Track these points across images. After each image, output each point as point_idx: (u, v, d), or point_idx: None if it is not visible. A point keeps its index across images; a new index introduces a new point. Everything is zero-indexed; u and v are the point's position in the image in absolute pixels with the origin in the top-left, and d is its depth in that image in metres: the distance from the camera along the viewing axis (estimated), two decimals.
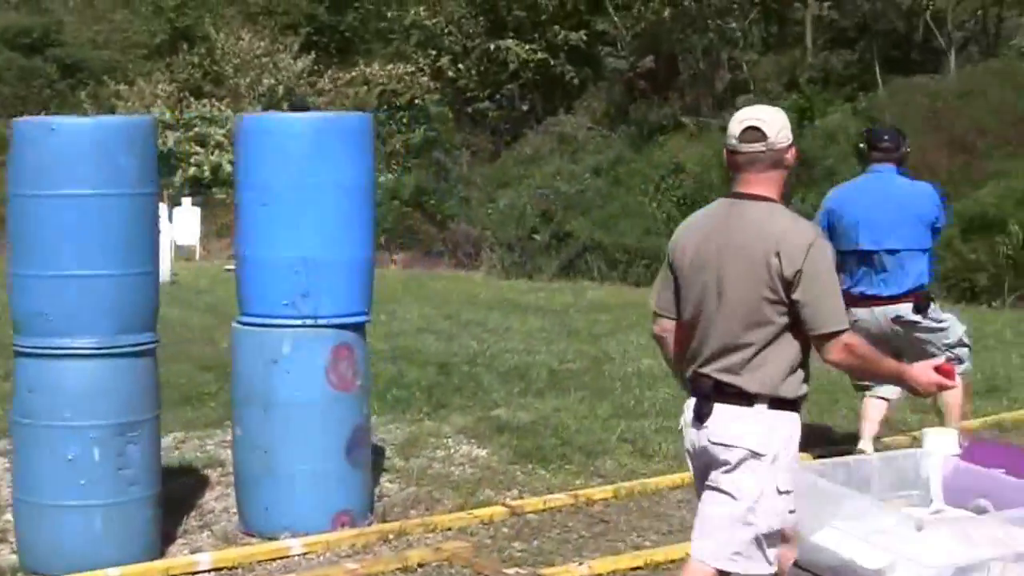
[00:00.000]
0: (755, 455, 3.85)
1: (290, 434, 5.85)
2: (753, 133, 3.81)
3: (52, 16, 36.66)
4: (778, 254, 3.75)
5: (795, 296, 3.78)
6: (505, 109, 23.47)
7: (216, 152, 29.01)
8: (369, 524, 6.10)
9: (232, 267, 20.31)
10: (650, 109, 20.46)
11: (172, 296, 16.48)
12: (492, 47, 23.45)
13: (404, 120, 25.08)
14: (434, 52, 24.87)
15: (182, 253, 25.30)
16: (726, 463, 3.89)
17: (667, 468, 7.19)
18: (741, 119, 3.87)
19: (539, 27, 23.22)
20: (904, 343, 6.79)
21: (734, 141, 3.86)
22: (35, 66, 33.01)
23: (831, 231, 6.68)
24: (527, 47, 22.94)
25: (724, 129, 4.01)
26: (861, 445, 6.98)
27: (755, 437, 3.86)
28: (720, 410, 3.90)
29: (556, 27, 22.90)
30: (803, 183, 16.09)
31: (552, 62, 22.80)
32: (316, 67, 27.99)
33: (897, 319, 6.80)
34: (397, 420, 8.60)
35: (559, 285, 17.57)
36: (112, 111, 30.62)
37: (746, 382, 3.85)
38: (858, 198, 6.89)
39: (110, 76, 32.75)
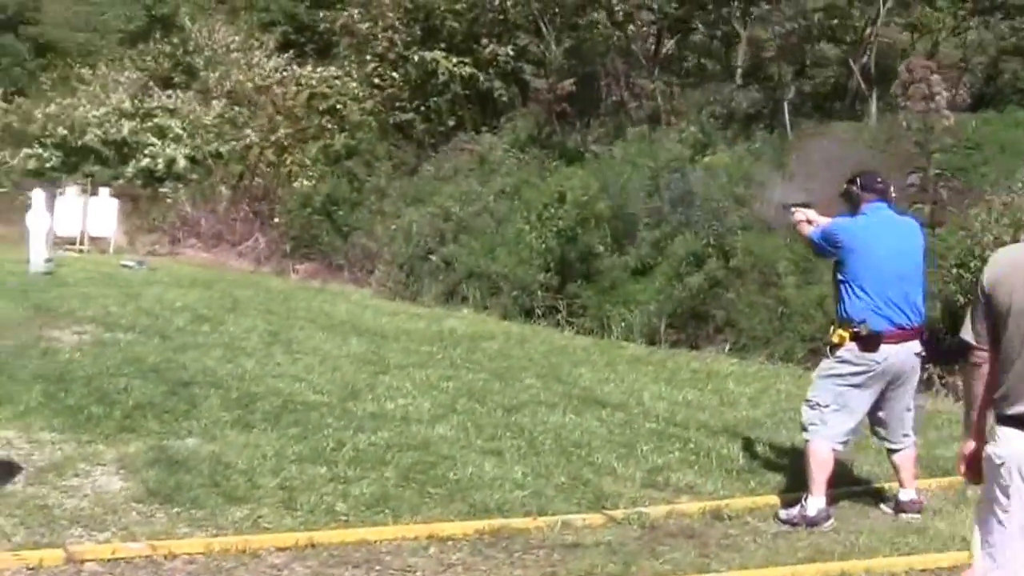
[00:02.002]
0: None
1: None
2: None
3: None
4: None
5: None
6: (432, 122, 22.67)
7: (172, 145, 28.29)
8: None
9: (129, 263, 19.74)
10: (567, 134, 19.60)
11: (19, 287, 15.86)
12: (417, 58, 22.64)
13: (327, 125, 24.31)
14: (367, 57, 24.06)
15: (99, 245, 24.61)
16: None
17: (297, 523, 6.44)
18: None
19: (470, 40, 22.42)
20: (903, 385, 7.21)
21: None
22: (5, 43, 32.37)
23: (845, 265, 7.13)
24: (456, 60, 22.14)
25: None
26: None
27: None
28: None
29: (485, 40, 22.08)
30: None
31: (481, 77, 21.98)
32: (289, 67, 27.08)
33: (917, 354, 7.16)
34: (71, 440, 7.78)
35: (433, 311, 16.71)
36: (72, 94, 30.15)
37: None
38: (883, 232, 7.14)
39: (83, 59, 32.21)
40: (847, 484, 7.81)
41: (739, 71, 20.03)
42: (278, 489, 6.99)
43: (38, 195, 18.92)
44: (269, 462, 7.50)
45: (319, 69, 25.31)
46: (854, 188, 7.30)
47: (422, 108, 22.74)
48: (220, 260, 23.41)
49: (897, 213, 7.54)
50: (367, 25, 24.04)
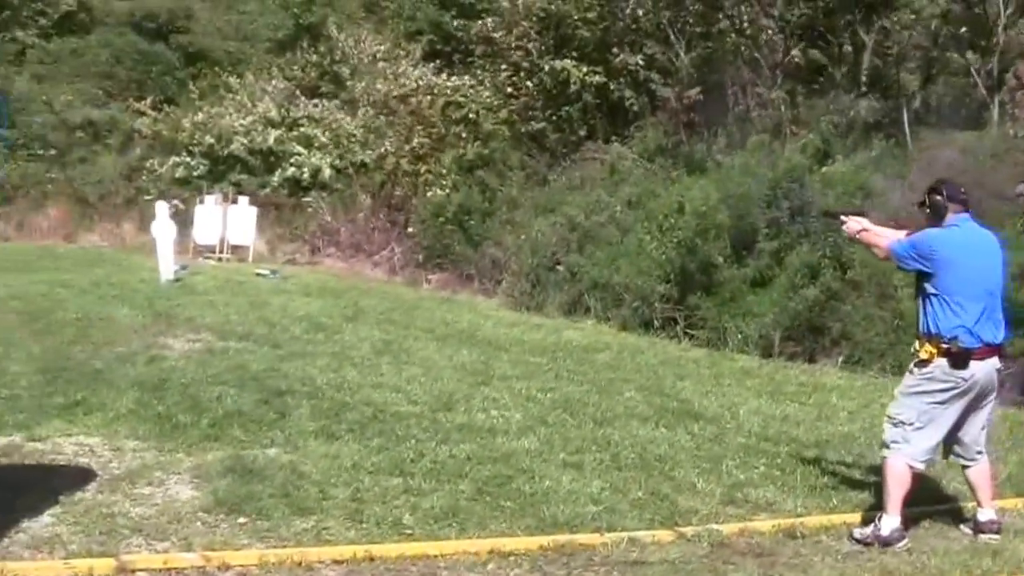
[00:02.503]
0: None
1: None
2: None
3: (181, 2, 36.88)
4: None
5: None
6: (564, 132, 22.61)
7: (318, 154, 28.54)
8: None
9: (264, 272, 20.14)
10: (694, 143, 19.38)
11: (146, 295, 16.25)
12: (548, 67, 22.60)
13: (462, 134, 24.42)
14: (502, 66, 24.11)
15: (239, 253, 25.09)
16: None
17: (360, 536, 6.47)
18: None
19: (601, 49, 22.30)
20: (983, 401, 7.09)
21: None
22: (156, 51, 33.17)
23: (936, 278, 6.94)
24: (587, 69, 22.04)
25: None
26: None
27: None
28: None
29: (615, 49, 21.95)
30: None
31: (612, 86, 21.85)
32: (426, 76, 27.17)
33: (998, 370, 7.05)
34: (153, 448, 7.96)
35: (555, 322, 16.72)
36: (220, 102, 30.71)
37: None
38: (973, 245, 7.01)
39: (233, 68, 32.72)
40: (929, 503, 7.59)
41: (863, 79, 19.50)
42: (349, 501, 7.03)
43: (162, 207, 19.36)
44: (345, 473, 7.56)
45: (453, 78, 25.39)
46: (939, 198, 7.07)
47: (554, 117, 22.69)
48: (356, 270, 23.69)
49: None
50: (501, 34, 24.08)
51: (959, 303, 6.83)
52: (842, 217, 7.72)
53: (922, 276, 7.06)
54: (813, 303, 14.24)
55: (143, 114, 29.33)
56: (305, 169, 27.48)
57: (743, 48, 20.59)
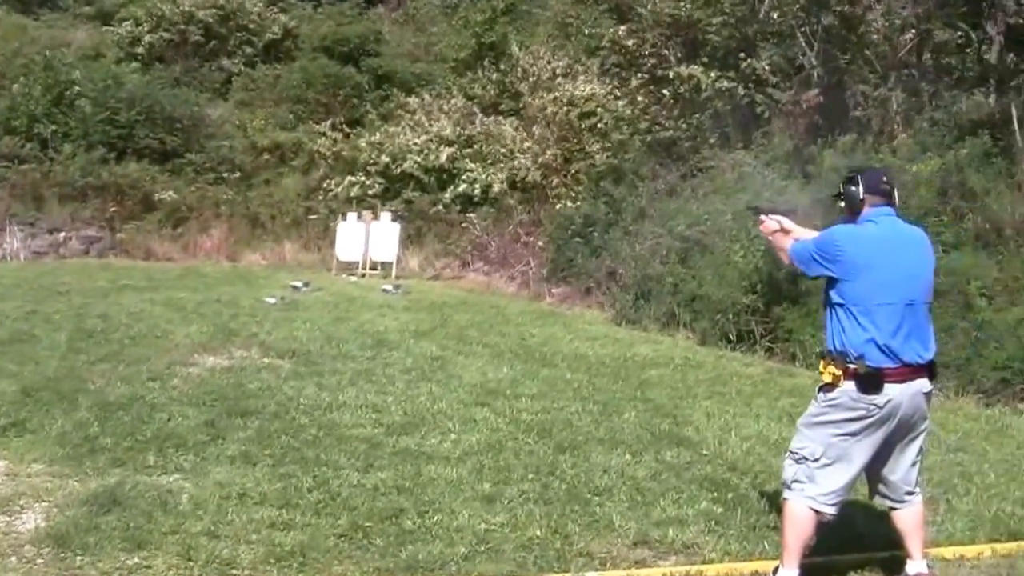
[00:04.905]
0: None
1: None
2: None
3: (372, 26, 37.42)
4: None
5: None
6: (696, 140, 21.70)
7: (491, 170, 28.28)
8: None
9: (388, 287, 19.97)
10: (819, 147, 18.20)
11: (228, 312, 16.16)
12: (672, 74, 21.73)
13: (593, 145, 23.76)
14: (637, 74, 23.37)
15: (386, 270, 25.02)
16: None
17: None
18: None
19: (732, 55, 21.31)
20: (910, 433, 6.12)
21: None
22: (346, 74, 33.65)
23: (841, 284, 5.99)
24: (717, 74, 21.10)
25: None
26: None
27: None
28: None
29: (742, 54, 20.92)
30: None
31: (742, 91, 20.84)
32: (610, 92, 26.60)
33: (926, 394, 6.06)
34: (47, 473, 7.92)
35: (642, 335, 16.02)
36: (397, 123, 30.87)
37: None
38: (892, 245, 6.00)
39: (421, 88, 32.93)
40: (846, 551, 6.61)
41: (991, 74, 17.92)
42: (200, 535, 6.68)
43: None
44: (223, 503, 7.20)
45: (587, 87, 24.77)
46: (854, 188, 6.10)
47: (684, 125, 21.82)
48: (494, 285, 23.30)
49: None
50: (633, 41, 23.36)
51: (869, 314, 5.82)
52: (761, 216, 6.73)
53: (829, 283, 6.07)
54: None
55: (324, 135, 29.66)
56: (477, 185, 27.14)
57: (865, 48, 19.27)
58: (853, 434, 5.87)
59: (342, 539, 6.68)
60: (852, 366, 5.81)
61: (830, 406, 5.92)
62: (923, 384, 5.93)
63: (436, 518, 7.06)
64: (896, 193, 6.20)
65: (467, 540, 6.71)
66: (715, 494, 7.76)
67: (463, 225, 26.66)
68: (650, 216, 20.37)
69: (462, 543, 6.65)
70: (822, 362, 6.04)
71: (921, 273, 6.04)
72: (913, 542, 6.15)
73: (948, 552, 6.77)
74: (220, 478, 7.68)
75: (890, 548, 6.47)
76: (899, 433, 5.96)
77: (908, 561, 6.15)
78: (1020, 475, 8.61)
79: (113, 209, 26.91)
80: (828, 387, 5.95)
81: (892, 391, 5.79)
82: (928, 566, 6.18)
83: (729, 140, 21.03)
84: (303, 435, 8.95)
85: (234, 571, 6.17)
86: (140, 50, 32.37)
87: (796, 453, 6.03)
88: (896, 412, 5.84)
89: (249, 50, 34.48)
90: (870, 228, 5.98)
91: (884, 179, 6.17)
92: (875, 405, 5.79)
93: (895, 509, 6.22)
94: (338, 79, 33.00)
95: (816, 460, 5.91)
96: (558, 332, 15.83)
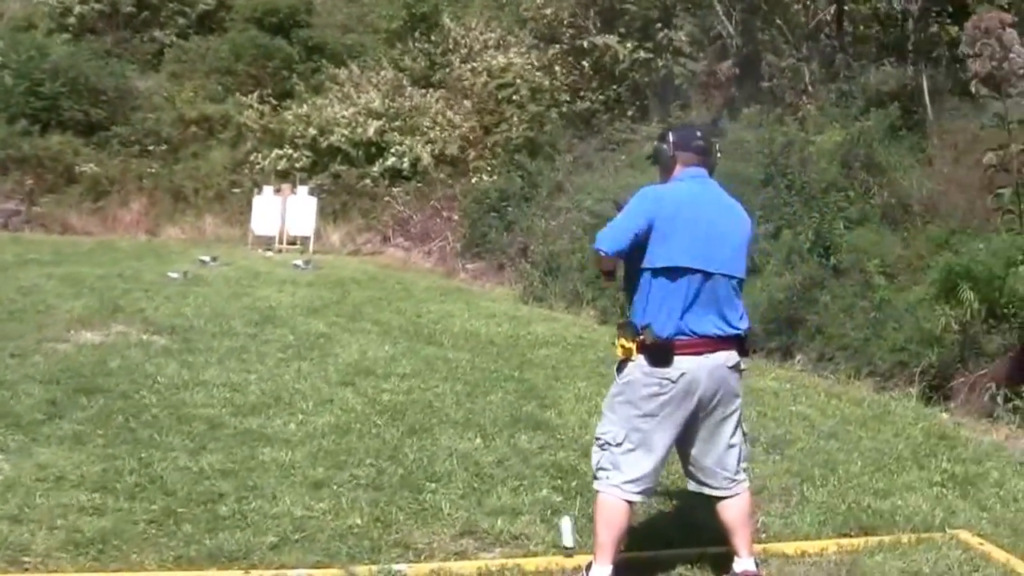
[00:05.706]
0: None
1: None
2: None
3: None
4: None
5: None
6: (614, 112, 21.38)
7: (420, 144, 27.84)
8: None
9: (299, 263, 19.55)
10: (732, 119, 17.91)
11: (123, 287, 15.72)
12: (587, 44, 21.40)
13: (509, 116, 23.38)
14: (555, 44, 23.01)
15: (305, 245, 24.60)
16: None
17: None
18: None
19: (649, 25, 20.99)
20: (717, 410, 5.57)
21: None
22: (276, 46, 33.06)
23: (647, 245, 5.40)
24: (633, 45, 20.79)
25: None
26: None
27: None
28: None
29: (659, 24, 20.63)
30: None
31: (660, 63, 20.54)
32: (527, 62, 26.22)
33: (733, 368, 5.55)
34: None
35: (542, 313, 15.86)
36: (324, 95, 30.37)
37: None
38: (699, 208, 5.48)
39: (351, 60, 32.36)
40: (667, 546, 6.29)
41: (908, 46, 17.64)
42: (2, 519, 6.24)
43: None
44: (41, 484, 6.84)
45: (500, 56, 24.38)
46: (664, 146, 5.67)
47: (602, 96, 21.49)
48: (411, 260, 22.97)
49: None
50: (551, 11, 23.00)
51: (662, 279, 5.33)
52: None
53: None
54: (791, 293, 12.81)
55: (251, 107, 29.14)
56: (405, 159, 26.74)
57: (782, 17, 19.00)
58: (652, 414, 5.38)
59: (151, 525, 6.33)
60: (640, 337, 5.36)
61: (625, 383, 5.45)
62: (727, 358, 5.47)
63: (255, 504, 6.72)
64: (715, 154, 5.77)
65: (281, 528, 6.37)
66: (559, 482, 7.40)
67: (386, 200, 26.29)
68: (566, 191, 20.08)
69: (274, 531, 6.31)
70: (616, 334, 5.56)
71: (728, 243, 5.51)
72: (739, 537, 5.67)
73: (790, 548, 6.42)
74: (43, 459, 7.30)
75: (726, 543, 6.13)
76: (703, 412, 5.47)
77: (735, 558, 5.67)
78: (888, 465, 8.24)
79: (31, 182, 26.34)
80: (623, 363, 5.48)
81: (685, 364, 5.33)
82: (756, 563, 5.77)
83: (647, 112, 20.77)
84: (144, 415, 8.58)
85: (25, 558, 5.80)
86: (71, 21, 31.59)
87: (600, 438, 5.57)
88: (695, 388, 5.37)
89: (182, 21, 33.74)
90: (677, 188, 5.55)
91: (698, 135, 5.72)
92: (668, 379, 5.34)
93: (720, 499, 5.68)
94: (268, 51, 32.43)
95: (619, 445, 5.45)
96: (456, 309, 15.52)
